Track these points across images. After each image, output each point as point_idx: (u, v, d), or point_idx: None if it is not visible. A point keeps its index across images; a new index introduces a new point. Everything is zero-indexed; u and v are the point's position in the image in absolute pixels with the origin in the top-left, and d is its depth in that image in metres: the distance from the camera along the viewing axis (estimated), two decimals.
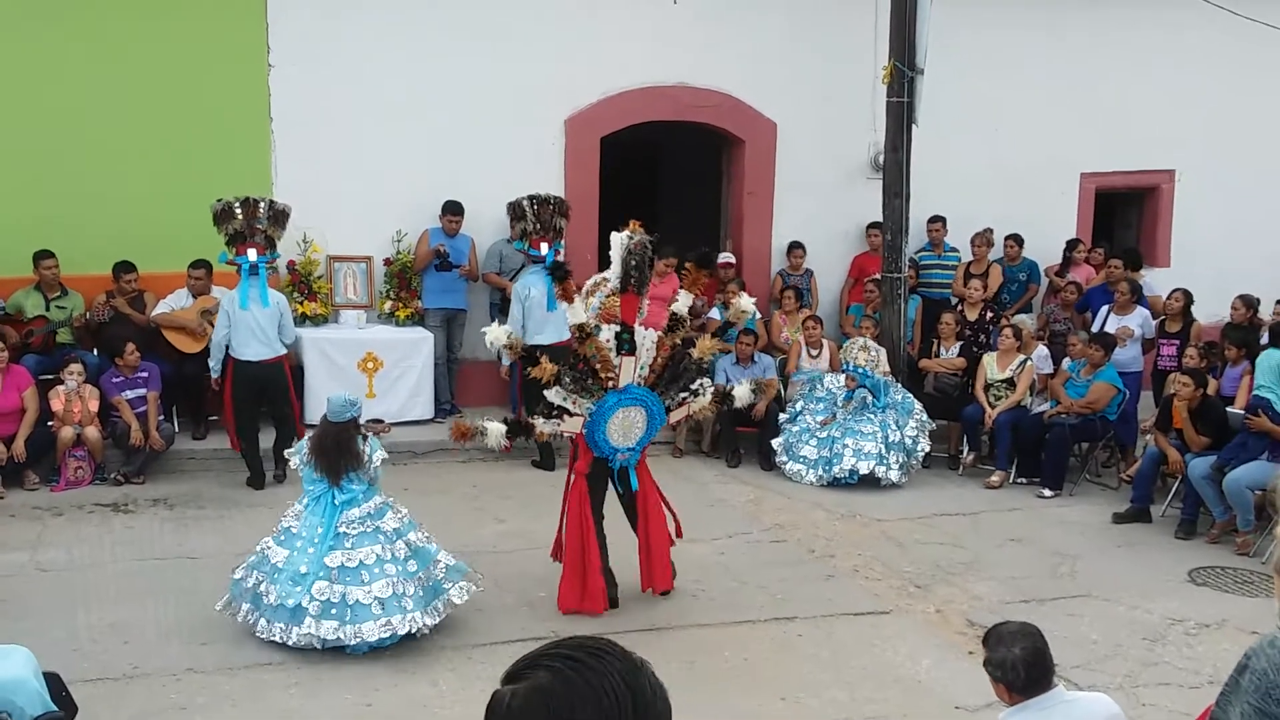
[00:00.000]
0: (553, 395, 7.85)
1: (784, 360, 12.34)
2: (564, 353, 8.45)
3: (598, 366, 7.81)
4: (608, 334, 7.83)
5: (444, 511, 8.54)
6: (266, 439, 10.61)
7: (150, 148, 11.48)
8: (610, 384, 7.83)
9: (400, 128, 12.15)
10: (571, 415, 7.88)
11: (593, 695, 1.83)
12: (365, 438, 7.69)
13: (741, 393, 8.52)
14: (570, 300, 7.76)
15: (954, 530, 10.08)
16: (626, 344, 7.80)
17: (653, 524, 8.19)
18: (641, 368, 7.94)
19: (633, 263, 7.75)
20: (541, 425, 7.92)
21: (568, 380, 7.81)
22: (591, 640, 1.93)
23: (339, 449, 7.50)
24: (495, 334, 7.98)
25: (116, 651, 7.28)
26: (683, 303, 8.04)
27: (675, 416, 8.38)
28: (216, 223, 10.15)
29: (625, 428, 7.90)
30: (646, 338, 7.93)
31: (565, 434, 8.09)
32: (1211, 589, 8.92)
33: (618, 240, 7.82)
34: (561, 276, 7.76)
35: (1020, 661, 4.44)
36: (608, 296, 7.91)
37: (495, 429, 7.83)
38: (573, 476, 8.13)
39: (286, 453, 8.17)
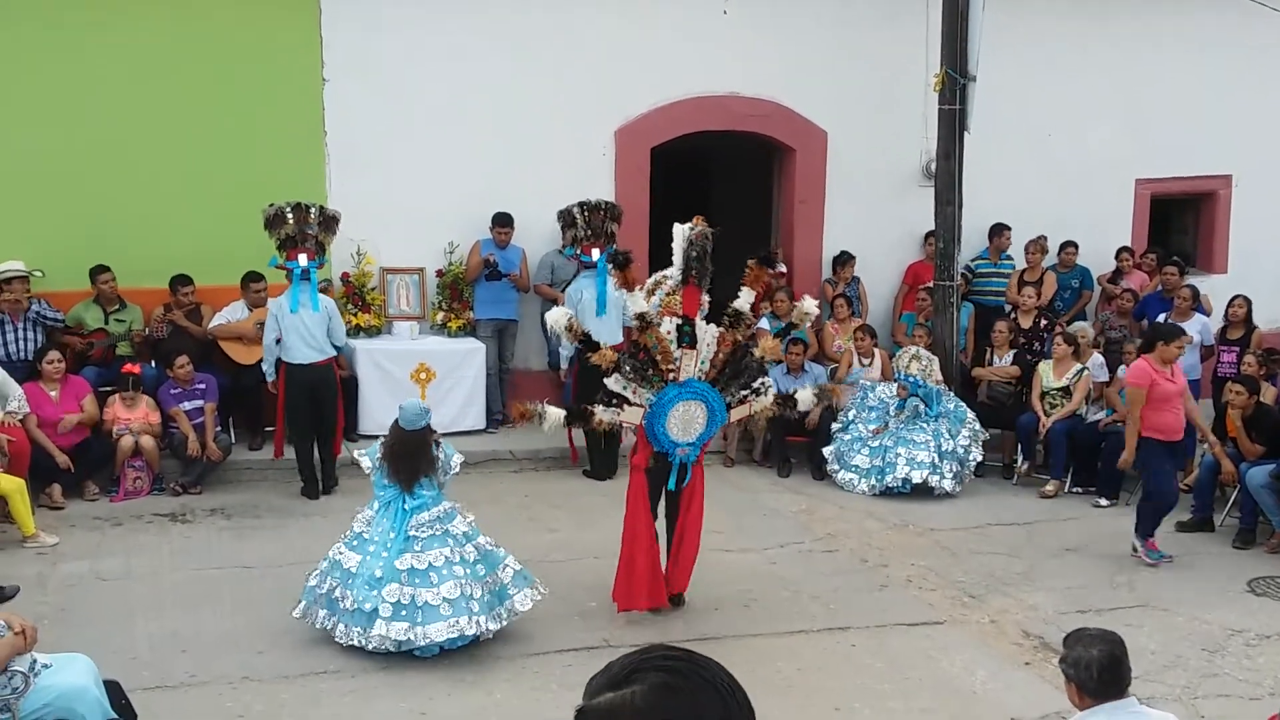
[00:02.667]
0: (612, 383, 7.83)
1: (834, 369, 12.29)
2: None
3: (658, 357, 7.78)
4: (669, 326, 7.80)
5: (496, 521, 8.58)
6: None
7: (207, 163, 11.62)
8: (671, 376, 7.81)
9: (452, 141, 12.23)
10: (631, 405, 7.86)
11: (713, 691, 1.79)
12: (439, 444, 7.75)
13: (805, 396, 8.49)
14: (630, 289, 7.72)
15: (1009, 540, 10.00)
16: (688, 336, 7.76)
17: (690, 525, 8.14)
18: (703, 362, 7.90)
19: (694, 253, 7.70)
20: (601, 413, 7.87)
21: (627, 369, 7.79)
22: (676, 647, 1.90)
23: (417, 455, 7.57)
24: (555, 316, 7.94)
25: (175, 660, 7.36)
26: (744, 300, 7.98)
27: (736, 415, 8.29)
28: (268, 227, 10.31)
29: (685, 422, 7.87)
30: (708, 332, 7.88)
31: (624, 424, 8.04)
32: (1271, 599, 8.79)
33: (680, 231, 7.77)
34: (622, 264, 7.68)
35: (1095, 662, 4.43)
36: (668, 294, 7.90)
37: (554, 413, 7.81)
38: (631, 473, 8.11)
39: (356, 454, 8.19)
